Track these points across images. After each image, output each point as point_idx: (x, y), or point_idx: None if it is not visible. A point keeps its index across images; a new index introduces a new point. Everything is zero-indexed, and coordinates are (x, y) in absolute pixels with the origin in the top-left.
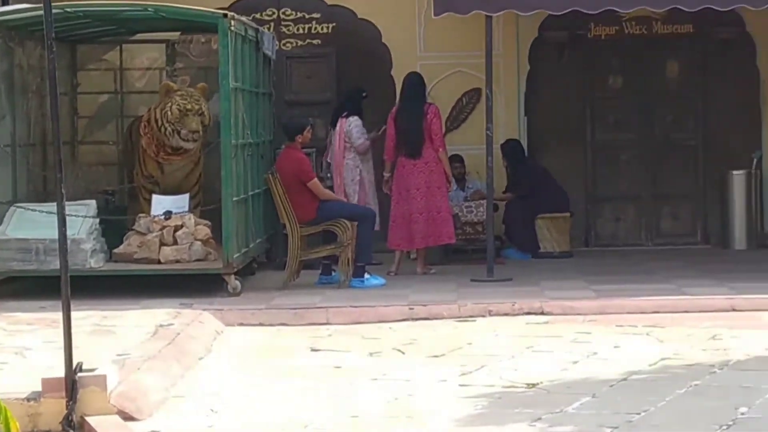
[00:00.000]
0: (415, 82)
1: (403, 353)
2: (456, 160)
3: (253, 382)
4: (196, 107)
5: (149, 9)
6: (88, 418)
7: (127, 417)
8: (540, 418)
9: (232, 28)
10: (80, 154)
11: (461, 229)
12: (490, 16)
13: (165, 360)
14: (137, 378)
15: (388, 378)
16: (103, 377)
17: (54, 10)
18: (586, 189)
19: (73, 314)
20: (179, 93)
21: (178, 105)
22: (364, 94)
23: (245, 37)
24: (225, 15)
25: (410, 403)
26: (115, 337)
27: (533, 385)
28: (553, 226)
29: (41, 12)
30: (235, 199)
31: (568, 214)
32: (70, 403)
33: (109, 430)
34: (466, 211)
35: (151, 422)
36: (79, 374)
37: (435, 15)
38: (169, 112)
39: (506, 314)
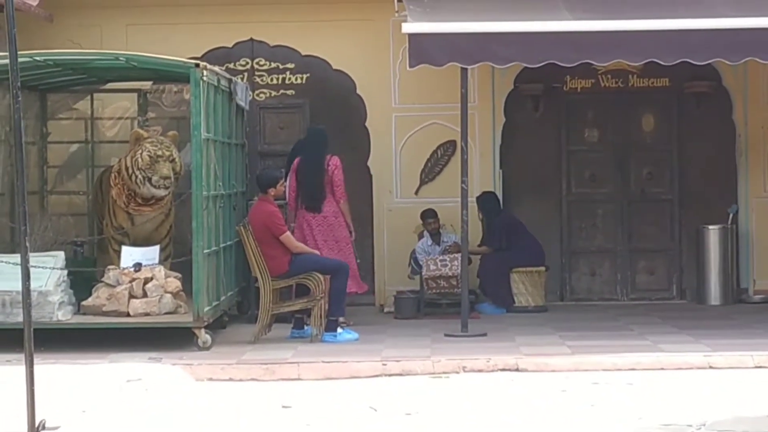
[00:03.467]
0: (316, 135)
1: (376, 410)
2: (430, 215)
3: None
4: (167, 153)
5: (120, 58)
6: None
7: None
8: None
9: (204, 78)
10: (50, 204)
11: (435, 282)
12: (466, 69)
13: (133, 417)
14: None
15: None
16: None
17: (23, 59)
18: (562, 242)
19: (39, 368)
20: (149, 140)
21: (149, 152)
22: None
23: (218, 87)
24: (197, 65)
25: None
26: (81, 392)
27: None
28: (528, 280)
29: (6, 60)
30: (206, 251)
31: (543, 268)
32: None
33: None
34: (441, 265)
35: None
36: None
37: (410, 67)
38: (139, 159)
39: (480, 370)
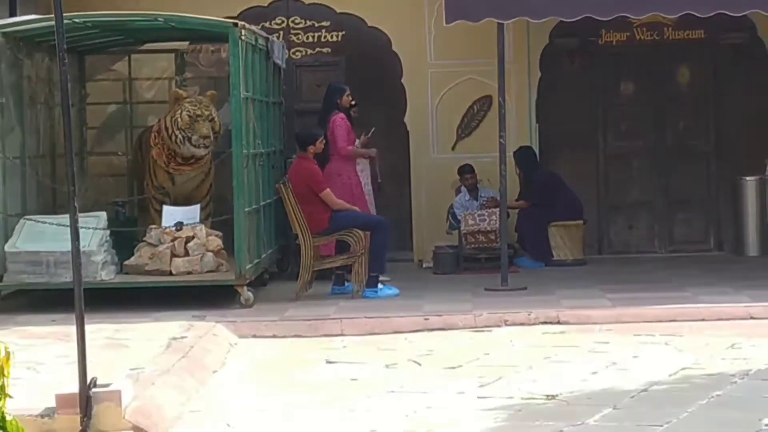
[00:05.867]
0: (326, 91)
1: (420, 365)
2: (467, 170)
3: (269, 396)
4: (206, 113)
5: (159, 19)
6: None
7: None
8: (561, 431)
9: (243, 37)
10: (89, 166)
11: (474, 237)
12: (502, 24)
13: (179, 374)
14: (152, 393)
15: (406, 390)
16: (118, 393)
17: (45, 23)
18: (599, 196)
19: (86, 327)
20: (188, 100)
21: (188, 111)
22: (347, 95)
23: (255, 46)
24: (235, 24)
25: (429, 416)
26: (128, 351)
27: (553, 396)
28: (566, 234)
29: (49, 23)
30: (246, 209)
31: (581, 222)
32: (85, 419)
33: None
34: (479, 220)
35: None
36: (94, 390)
37: (447, 23)
38: (179, 119)
39: (522, 324)
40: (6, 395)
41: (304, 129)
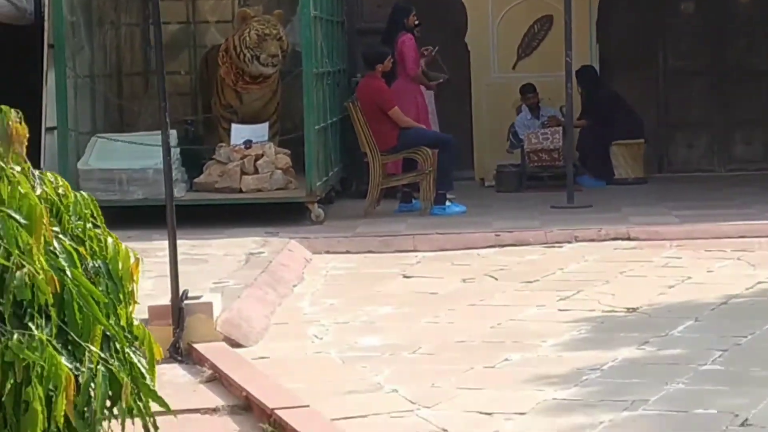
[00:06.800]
0: (391, 11)
1: (497, 279)
2: (529, 90)
3: (352, 309)
4: (274, 32)
5: None
6: (195, 345)
7: (234, 344)
8: (647, 342)
9: None
10: (153, 85)
11: (537, 156)
12: None
13: (262, 288)
14: (239, 306)
15: (486, 304)
16: (209, 304)
17: None
18: (659, 115)
19: (161, 243)
20: (256, 19)
21: (257, 30)
22: (413, 15)
23: None
24: None
25: (514, 327)
26: (208, 266)
27: (633, 309)
28: (627, 153)
29: None
30: (316, 127)
31: (642, 141)
32: (177, 330)
33: (219, 357)
34: (542, 138)
35: (257, 349)
36: (186, 302)
37: None
38: (247, 38)
39: (592, 240)
40: (134, 301)
41: (371, 47)
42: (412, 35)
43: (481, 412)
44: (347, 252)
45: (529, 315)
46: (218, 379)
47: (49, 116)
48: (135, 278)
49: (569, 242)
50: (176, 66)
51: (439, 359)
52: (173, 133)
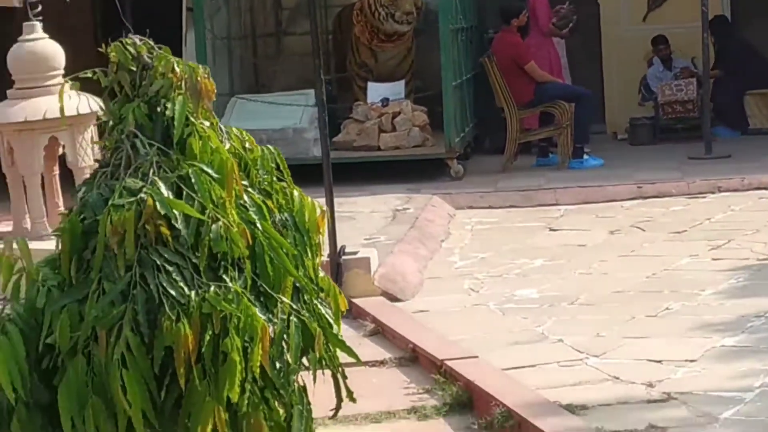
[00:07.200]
0: None
1: (644, 230)
2: (661, 41)
3: (503, 262)
4: None
5: None
6: (355, 300)
7: (392, 298)
8: None
9: None
10: (286, 46)
11: (671, 108)
12: None
13: (412, 243)
14: (393, 261)
15: (637, 254)
16: (367, 260)
17: None
18: None
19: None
20: None
21: None
22: None
23: None
24: None
25: (669, 277)
26: (356, 223)
27: None
28: (762, 102)
29: None
30: (453, 84)
31: None
32: (337, 285)
33: (379, 311)
34: (676, 90)
35: (414, 302)
36: (344, 257)
37: None
38: None
39: (736, 190)
40: (320, 253)
41: (507, 2)
42: None
43: (651, 359)
44: (490, 207)
45: (683, 264)
46: (381, 333)
47: None
48: (321, 230)
49: (712, 192)
50: (307, 26)
51: (600, 309)
52: (311, 93)
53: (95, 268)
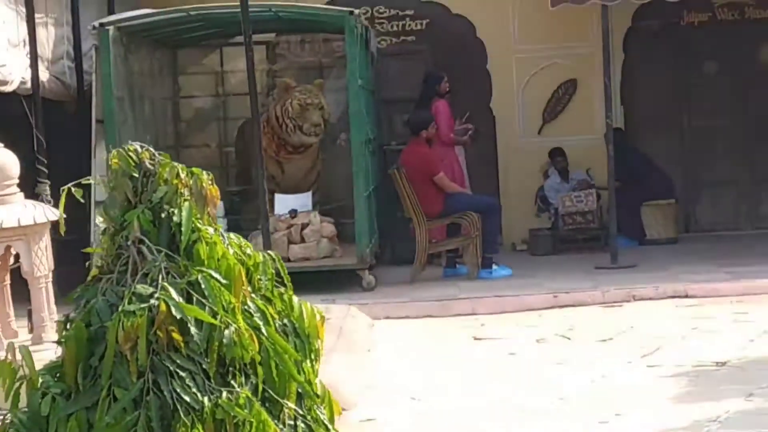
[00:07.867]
0: (424, 79)
1: (570, 339)
2: (559, 153)
3: (438, 372)
4: (316, 101)
5: (272, 10)
6: None
7: None
8: (752, 394)
9: (358, 25)
10: (183, 158)
11: (571, 218)
12: (606, 5)
13: (342, 353)
14: (328, 370)
15: (572, 363)
16: None
17: (165, 16)
18: (685, 176)
19: None
20: (298, 89)
21: (299, 100)
22: (445, 81)
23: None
24: (351, 13)
25: (609, 384)
26: None
27: (722, 363)
28: (659, 213)
29: (157, 17)
30: (364, 194)
31: (673, 201)
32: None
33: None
34: (576, 201)
35: (359, 412)
36: None
37: (552, 6)
38: (289, 108)
39: (651, 299)
40: (319, 359)
41: (416, 114)
42: (446, 101)
43: None
44: (407, 317)
45: (620, 371)
46: None
47: (98, 190)
48: (321, 335)
49: (627, 301)
50: (205, 139)
51: (549, 416)
52: (220, 205)
53: (104, 374)
